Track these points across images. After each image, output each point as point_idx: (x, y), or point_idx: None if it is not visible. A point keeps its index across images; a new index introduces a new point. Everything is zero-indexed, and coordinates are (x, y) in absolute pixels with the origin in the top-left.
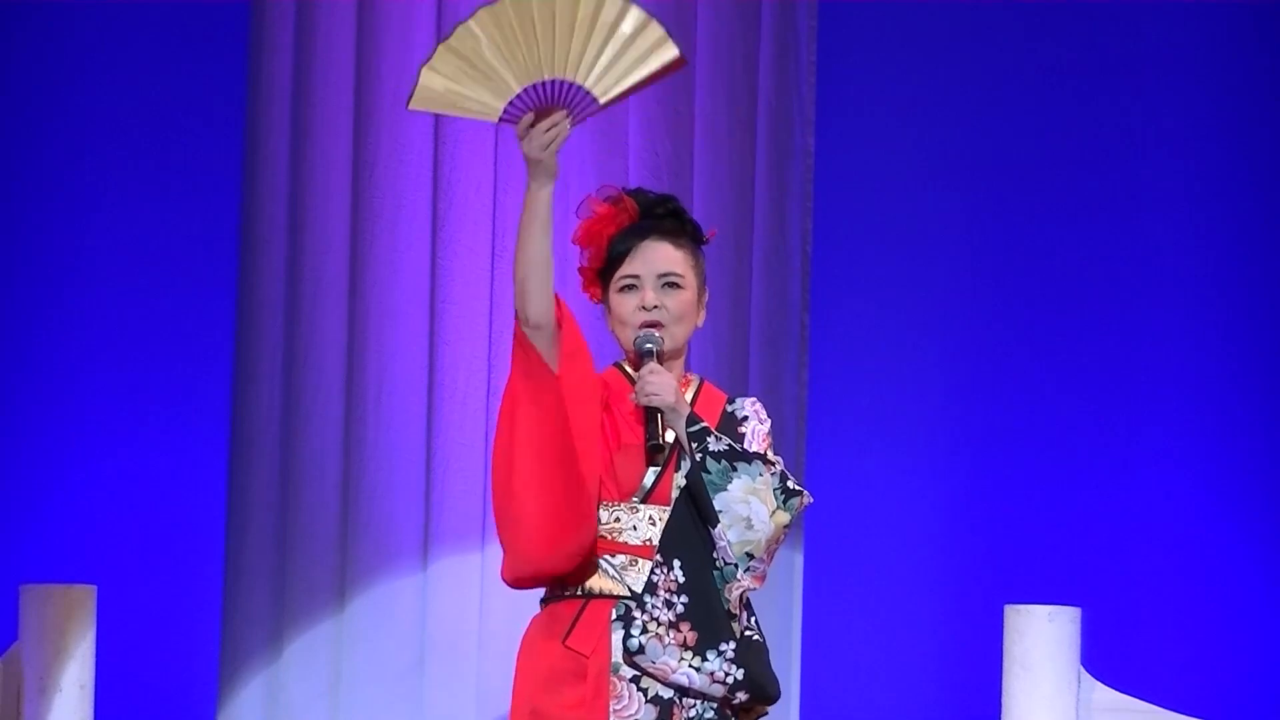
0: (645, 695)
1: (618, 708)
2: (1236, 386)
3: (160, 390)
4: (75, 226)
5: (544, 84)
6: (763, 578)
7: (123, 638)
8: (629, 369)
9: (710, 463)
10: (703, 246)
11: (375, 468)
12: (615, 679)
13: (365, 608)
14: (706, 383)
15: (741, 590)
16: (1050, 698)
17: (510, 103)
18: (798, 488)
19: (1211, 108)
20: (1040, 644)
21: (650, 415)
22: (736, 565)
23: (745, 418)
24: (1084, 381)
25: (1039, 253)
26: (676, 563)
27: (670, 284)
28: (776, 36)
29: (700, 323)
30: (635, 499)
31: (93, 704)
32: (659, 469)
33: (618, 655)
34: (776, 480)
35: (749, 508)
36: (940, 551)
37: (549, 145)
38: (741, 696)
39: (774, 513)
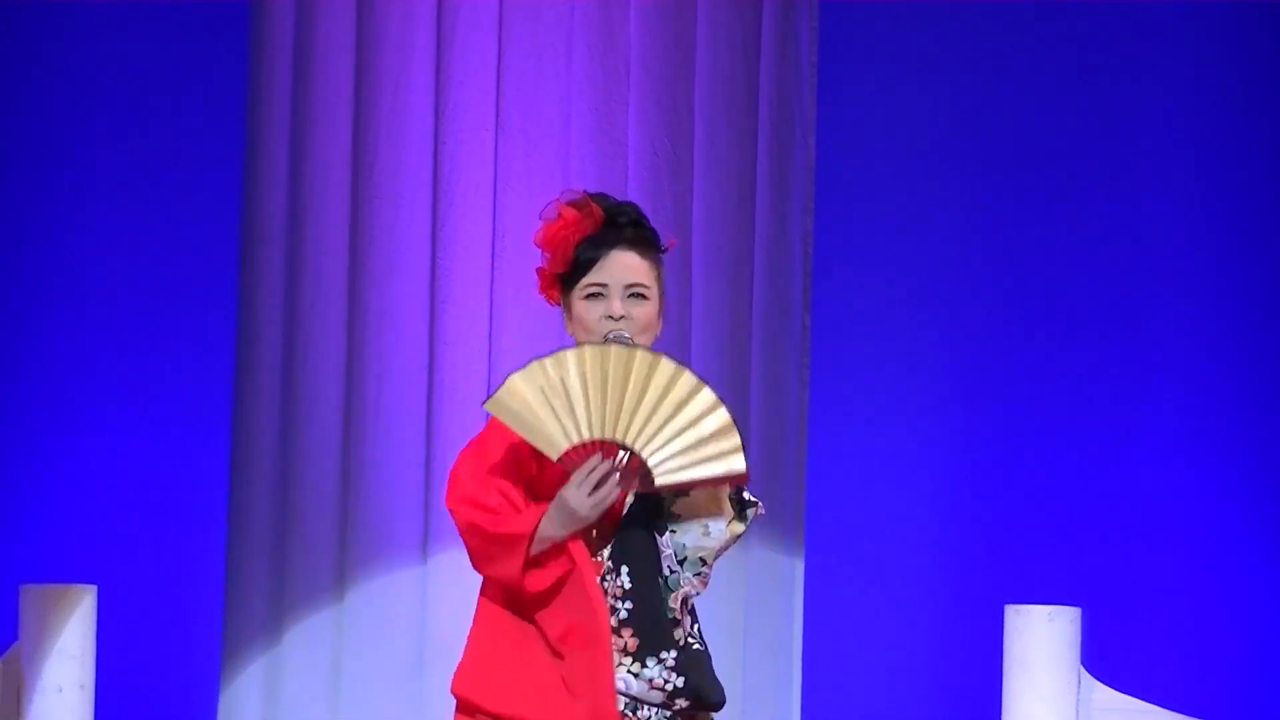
0: None
1: None
2: (1238, 385)
3: (160, 390)
4: (75, 226)
5: (613, 444)
6: (706, 582)
7: (123, 638)
8: None
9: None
10: (662, 256)
11: (375, 467)
12: None
13: (365, 601)
14: None
15: (684, 595)
16: (1050, 698)
17: (573, 447)
18: (752, 499)
19: (1213, 101)
20: (1040, 644)
21: None
22: (681, 573)
23: None
24: (1085, 382)
25: (1039, 253)
26: (624, 569)
27: (636, 294)
28: (777, 36)
29: (659, 333)
30: None
31: (93, 704)
32: None
33: None
34: (733, 491)
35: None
36: (940, 551)
37: (599, 506)
38: (681, 703)
39: (730, 522)
